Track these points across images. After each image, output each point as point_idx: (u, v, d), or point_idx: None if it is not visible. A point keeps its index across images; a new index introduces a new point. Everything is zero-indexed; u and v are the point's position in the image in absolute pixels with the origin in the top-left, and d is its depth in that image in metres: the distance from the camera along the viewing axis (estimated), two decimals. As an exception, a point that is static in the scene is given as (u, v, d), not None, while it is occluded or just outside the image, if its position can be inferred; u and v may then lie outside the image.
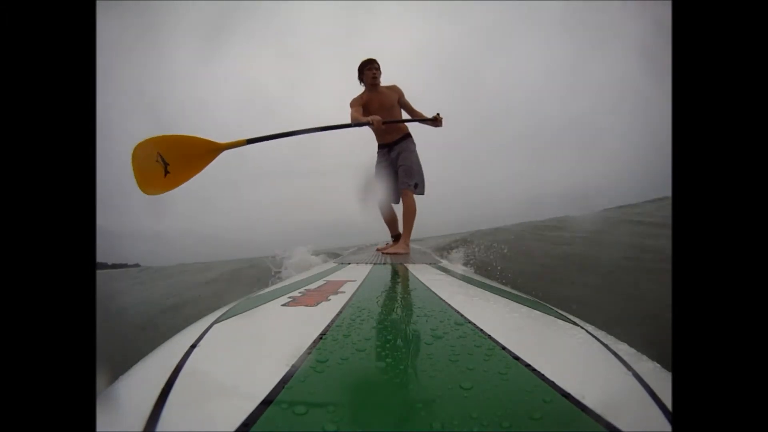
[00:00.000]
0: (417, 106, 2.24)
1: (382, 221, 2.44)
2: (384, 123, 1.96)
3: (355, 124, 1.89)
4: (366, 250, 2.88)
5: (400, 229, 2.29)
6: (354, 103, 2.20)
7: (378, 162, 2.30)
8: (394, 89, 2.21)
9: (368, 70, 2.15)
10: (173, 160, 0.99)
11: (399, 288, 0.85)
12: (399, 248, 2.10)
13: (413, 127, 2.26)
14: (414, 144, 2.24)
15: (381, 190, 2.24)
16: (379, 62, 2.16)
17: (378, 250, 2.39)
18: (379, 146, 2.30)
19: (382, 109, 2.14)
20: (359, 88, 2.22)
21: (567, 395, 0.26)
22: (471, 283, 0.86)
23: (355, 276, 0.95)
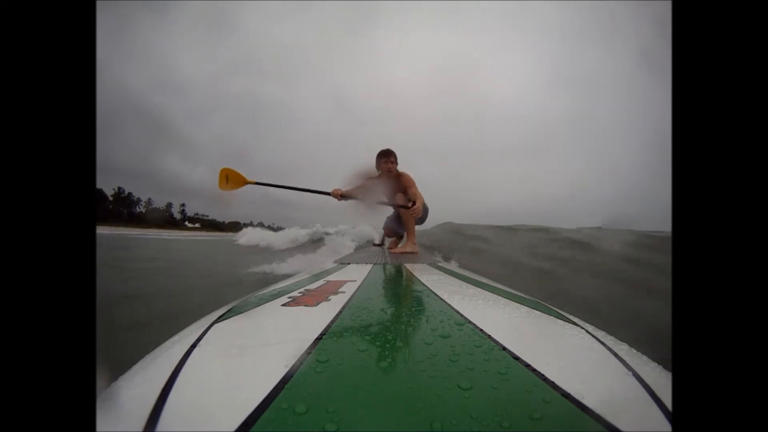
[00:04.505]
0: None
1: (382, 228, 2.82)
2: (341, 196, 2.21)
3: (316, 191, 2.29)
4: (366, 250, 2.88)
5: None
6: (362, 177, 2.41)
7: (393, 213, 2.71)
8: (405, 179, 2.36)
9: (384, 163, 2.38)
10: (231, 179, 2.14)
11: (399, 288, 0.85)
12: (407, 248, 2.30)
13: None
14: (427, 208, 2.49)
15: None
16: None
17: (388, 248, 2.64)
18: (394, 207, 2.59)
19: (389, 195, 2.32)
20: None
21: (567, 395, 0.26)
22: (471, 283, 0.86)
23: (355, 276, 0.95)
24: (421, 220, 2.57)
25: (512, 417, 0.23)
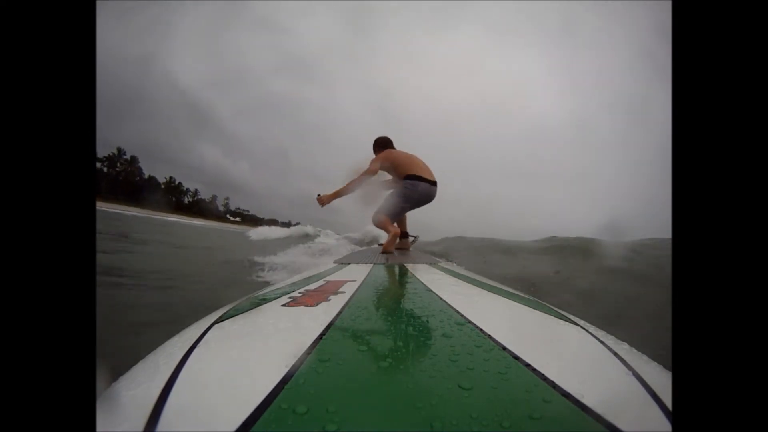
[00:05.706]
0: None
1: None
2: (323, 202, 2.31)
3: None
4: (366, 250, 2.89)
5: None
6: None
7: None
8: (380, 158, 2.41)
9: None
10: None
11: (399, 288, 0.85)
12: (402, 245, 2.45)
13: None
14: (401, 189, 2.37)
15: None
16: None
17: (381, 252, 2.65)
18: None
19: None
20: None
21: (567, 395, 0.26)
22: (471, 283, 0.86)
23: (355, 276, 0.95)
24: (429, 197, 2.39)
25: (512, 417, 0.23)
